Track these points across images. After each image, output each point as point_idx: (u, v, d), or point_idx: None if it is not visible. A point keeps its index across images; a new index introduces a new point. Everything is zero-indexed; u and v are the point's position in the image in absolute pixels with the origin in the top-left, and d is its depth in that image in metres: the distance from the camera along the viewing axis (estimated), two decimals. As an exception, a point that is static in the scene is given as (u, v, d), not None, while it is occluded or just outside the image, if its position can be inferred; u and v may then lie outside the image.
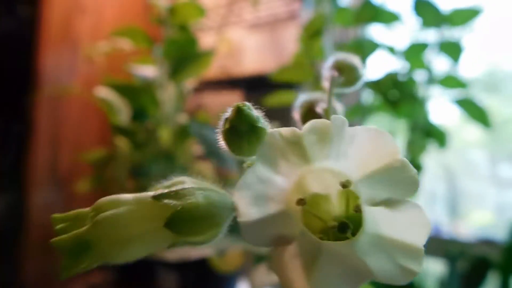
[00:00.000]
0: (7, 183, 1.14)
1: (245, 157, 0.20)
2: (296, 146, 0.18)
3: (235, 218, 0.54)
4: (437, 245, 0.96)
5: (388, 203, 0.17)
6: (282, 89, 0.82)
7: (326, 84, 0.27)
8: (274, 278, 0.46)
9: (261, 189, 0.17)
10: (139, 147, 0.74)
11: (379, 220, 0.17)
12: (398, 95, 0.76)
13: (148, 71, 0.78)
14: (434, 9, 0.69)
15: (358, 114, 0.79)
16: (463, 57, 0.72)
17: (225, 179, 0.72)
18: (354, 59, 0.28)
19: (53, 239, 0.20)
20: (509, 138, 1.09)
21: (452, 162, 1.10)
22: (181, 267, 0.74)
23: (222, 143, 0.21)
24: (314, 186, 0.19)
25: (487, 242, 0.96)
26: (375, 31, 0.86)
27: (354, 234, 0.17)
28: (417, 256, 0.16)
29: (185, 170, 0.77)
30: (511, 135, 1.09)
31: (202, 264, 0.63)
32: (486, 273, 0.84)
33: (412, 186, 0.18)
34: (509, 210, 1.01)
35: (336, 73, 0.27)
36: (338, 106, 0.28)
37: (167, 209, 0.19)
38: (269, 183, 0.17)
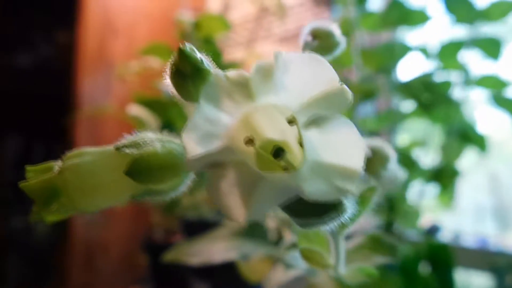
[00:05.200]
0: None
1: (194, 102, 0.20)
2: (242, 86, 0.18)
3: (257, 226, 0.52)
4: (484, 257, 0.90)
5: (318, 120, 0.17)
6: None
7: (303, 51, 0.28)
8: (291, 275, 0.44)
9: (207, 128, 0.18)
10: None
11: (316, 145, 0.17)
12: (431, 99, 0.72)
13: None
14: (468, 4, 0.66)
15: (389, 120, 0.76)
16: (503, 54, 0.68)
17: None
18: (332, 26, 0.28)
19: (21, 183, 0.20)
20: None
21: (501, 173, 1.04)
22: (213, 276, 0.73)
23: (171, 89, 0.21)
24: (270, 130, 0.18)
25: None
26: (407, 33, 0.83)
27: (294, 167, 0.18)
28: (353, 177, 0.16)
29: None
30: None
31: (234, 273, 0.63)
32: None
33: (345, 106, 0.17)
34: None
35: (310, 38, 0.27)
36: None
37: (126, 158, 0.20)
38: (214, 121, 0.18)
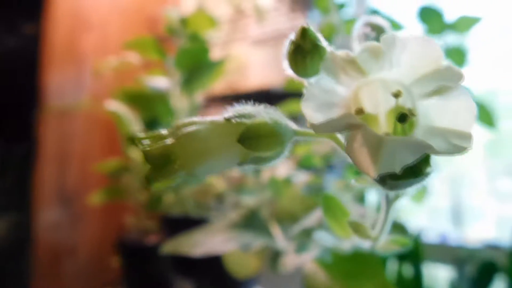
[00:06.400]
0: (14, 202, 1.12)
1: (308, 77, 0.24)
2: (352, 63, 0.20)
3: (254, 218, 0.54)
4: (446, 251, 0.97)
5: (439, 90, 0.20)
6: (287, 100, 0.83)
7: (358, 41, 0.31)
8: (302, 260, 0.46)
9: (325, 98, 0.20)
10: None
11: (430, 113, 0.20)
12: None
13: (160, 82, 0.78)
14: (439, 17, 0.72)
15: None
16: (467, 62, 0.75)
17: (238, 187, 0.72)
18: (382, 21, 0.31)
19: (144, 149, 0.22)
20: (507, 153, 1.11)
21: (455, 176, 1.12)
22: (197, 274, 0.73)
23: (287, 67, 0.24)
24: (367, 104, 0.22)
25: (493, 247, 0.97)
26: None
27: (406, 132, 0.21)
28: (466, 138, 0.19)
29: (198, 179, 0.77)
30: (509, 150, 1.11)
31: (219, 271, 0.63)
32: (493, 276, 0.85)
33: (459, 78, 0.20)
34: (509, 223, 1.03)
35: (369, 30, 0.30)
36: None
37: (238, 126, 0.22)
38: (332, 92, 0.20)
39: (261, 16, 0.96)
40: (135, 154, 0.78)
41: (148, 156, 0.22)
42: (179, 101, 0.77)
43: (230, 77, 1.11)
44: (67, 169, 1.17)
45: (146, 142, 0.22)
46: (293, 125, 0.24)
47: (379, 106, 0.23)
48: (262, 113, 0.23)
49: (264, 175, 0.77)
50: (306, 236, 0.48)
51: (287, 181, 0.76)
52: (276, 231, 0.58)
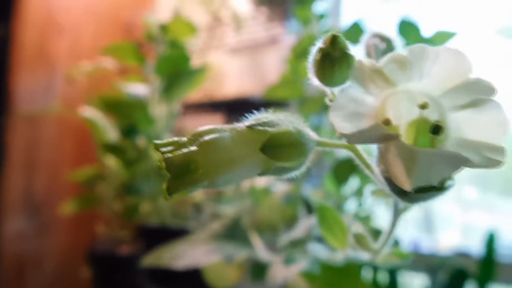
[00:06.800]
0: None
1: (334, 86, 0.23)
2: (379, 73, 0.20)
3: (236, 228, 0.53)
4: (418, 259, 0.99)
5: (472, 103, 0.20)
6: (266, 109, 0.83)
7: (366, 52, 0.31)
8: (291, 272, 0.46)
9: (354, 108, 0.19)
10: (130, 164, 0.72)
11: (461, 126, 0.20)
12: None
13: (138, 88, 0.77)
14: (417, 31, 0.74)
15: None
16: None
17: (217, 196, 0.71)
18: (388, 32, 0.32)
19: (166, 157, 0.20)
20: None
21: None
22: (173, 285, 0.71)
23: (312, 76, 0.23)
24: (390, 114, 0.22)
25: (464, 255, 1.00)
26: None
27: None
28: (499, 151, 0.19)
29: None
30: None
31: (196, 282, 0.62)
32: (463, 283, 0.87)
33: (491, 91, 0.19)
34: (473, 231, 1.07)
35: (379, 41, 0.30)
36: None
37: (261, 135, 0.22)
38: (361, 102, 0.20)
39: (238, 24, 0.96)
40: (111, 162, 0.76)
41: (169, 164, 0.21)
42: (158, 109, 0.76)
43: (206, 85, 1.10)
44: (35, 177, 1.13)
45: (166, 149, 0.21)
46: (314, 135, 0.24)
47: (401, 117, 0.22)
48: (285, 121, 0.23)
49: (243, 185, 0.76)
50: (294, 247, 0.48)
51: (266, 191, 0.76)
52: (257, 241, 0.58)
